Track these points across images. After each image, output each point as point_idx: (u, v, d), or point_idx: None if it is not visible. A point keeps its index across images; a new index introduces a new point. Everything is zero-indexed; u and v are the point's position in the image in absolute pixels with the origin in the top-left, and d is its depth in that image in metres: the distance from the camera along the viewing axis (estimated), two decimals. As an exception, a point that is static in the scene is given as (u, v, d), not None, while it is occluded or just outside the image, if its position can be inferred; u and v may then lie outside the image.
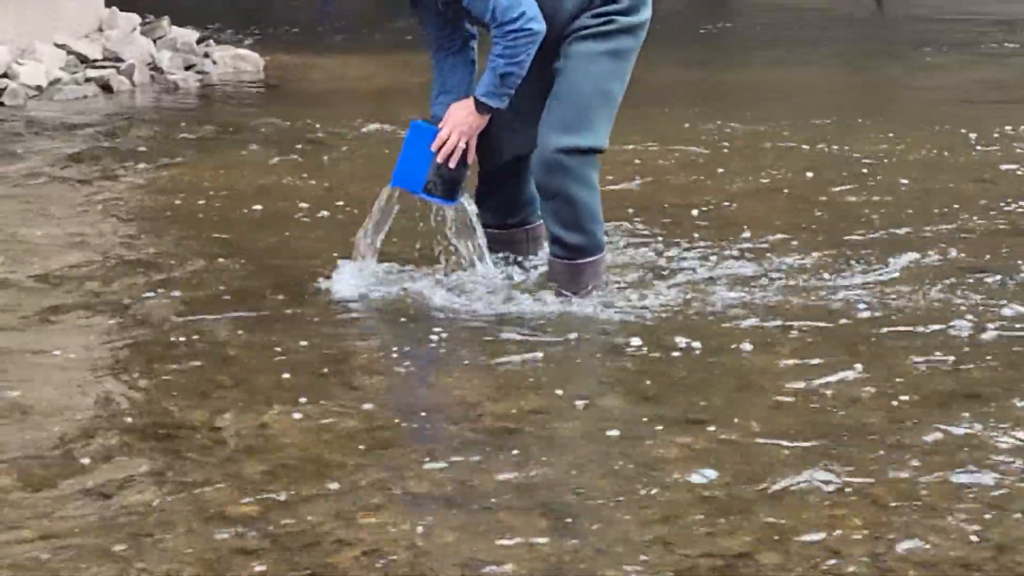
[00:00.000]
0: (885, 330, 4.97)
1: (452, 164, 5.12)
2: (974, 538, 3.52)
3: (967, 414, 4.24)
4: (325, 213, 6.33)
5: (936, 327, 4.99)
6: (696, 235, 5.88)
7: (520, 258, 5.40)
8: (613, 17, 5.09)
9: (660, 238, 5.86)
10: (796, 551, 3.46)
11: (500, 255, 5.41)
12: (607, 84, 5.11)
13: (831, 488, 3.79)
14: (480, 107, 5.07)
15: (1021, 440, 4.03)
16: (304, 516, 3.57)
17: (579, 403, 4.37)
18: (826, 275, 5.48)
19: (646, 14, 5.17)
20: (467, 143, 5.13)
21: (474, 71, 5.29)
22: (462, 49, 5.29)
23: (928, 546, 3.49)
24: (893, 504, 3.72)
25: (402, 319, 5.08)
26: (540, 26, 5.00)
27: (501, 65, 5.01)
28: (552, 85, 5.15)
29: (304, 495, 3.69)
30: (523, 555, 3.43)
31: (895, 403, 4.33)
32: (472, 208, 5.31)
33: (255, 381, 4.54)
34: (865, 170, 6.93)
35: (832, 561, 3.40)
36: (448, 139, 5.10)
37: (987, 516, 3.65)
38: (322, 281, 5.37)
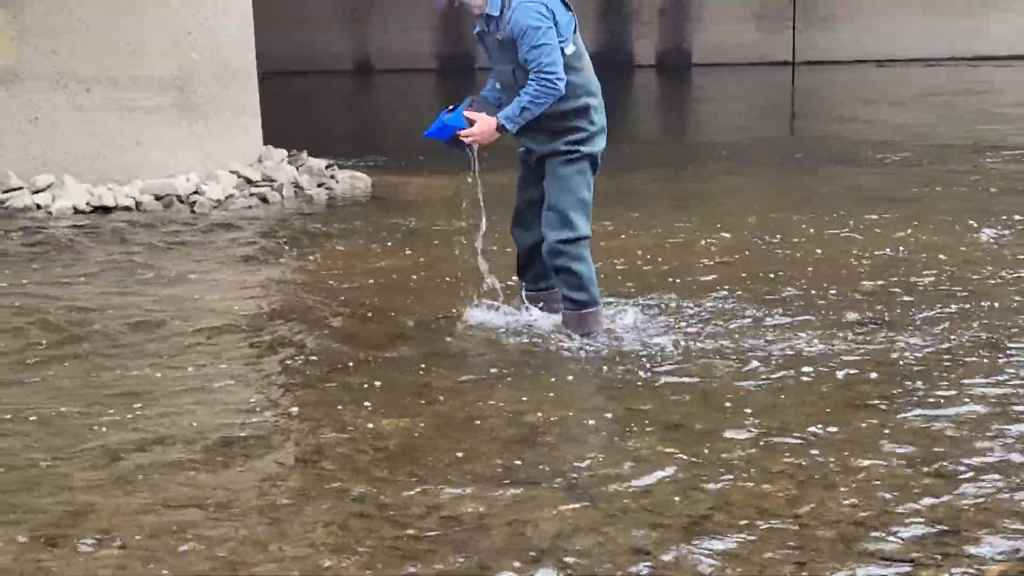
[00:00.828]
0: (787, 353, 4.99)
1: (466, 144, 5.14)
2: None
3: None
4: (426, 280, 6.39)
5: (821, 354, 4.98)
6: (669, 293, 5.89)
7: (548, 308, 5.39)
8: (579, 148, 5.10)
9: (640, 297, 5.81)
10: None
11: (538, 306, 5.41)
12: (580, 194, 5.13)
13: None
14: (499, 127, 5.06)
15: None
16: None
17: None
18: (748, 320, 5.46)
19: (600, 146, 5.18)
20: (481, 143, 5.12)
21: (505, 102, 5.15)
22: (507, 89, 5.14)
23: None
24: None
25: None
26: (563, 88, 4.96)
27: (526, 101, 4.96)
28: (544, 193, 5.17)
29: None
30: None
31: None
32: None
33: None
34: (782, 248, 6.92)
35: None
36: (472, 136, 5.09)
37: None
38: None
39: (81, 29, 8.68)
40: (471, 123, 5.08)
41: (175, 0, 8.77)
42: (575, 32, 5.10)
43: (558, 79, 4.94)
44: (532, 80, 4.95)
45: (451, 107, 5.14)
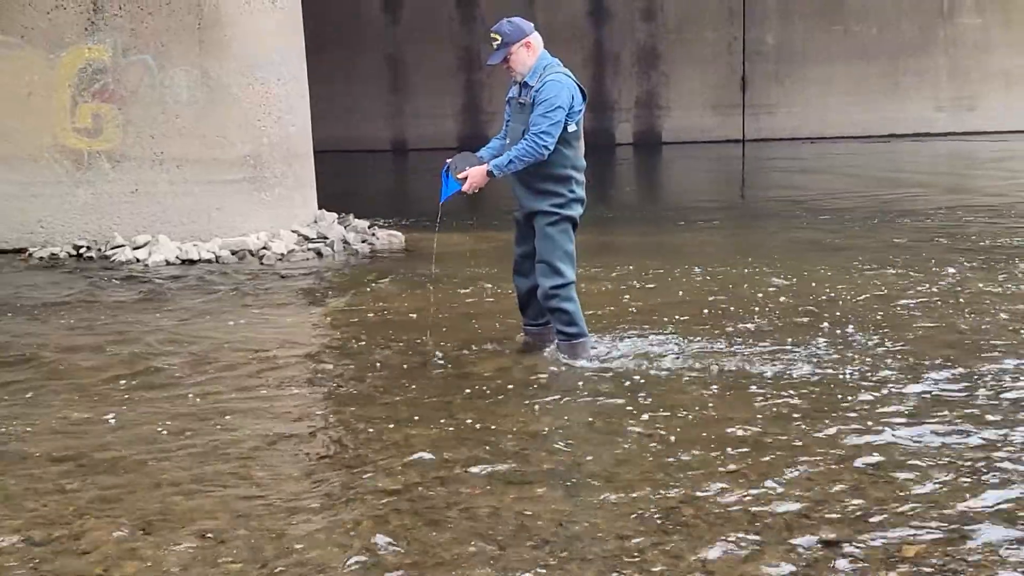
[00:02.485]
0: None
1: (469, 192, 5.09)
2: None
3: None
4: (446, 316, 6.27)
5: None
6: (644, 326, 5.85)
7: (548, 342, 5.38)
8: (559, 211, 5.08)
9: (622, 330, 5.74)
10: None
11: (535, 338, 5.40)
12: (564, 247, 5.11)
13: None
14: (489, 173, 5.01)
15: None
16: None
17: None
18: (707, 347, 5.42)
19: (580, 211, 5.15)
20: (477, 187, 5.07)
21: (502, 152, 5.15)
22: (504, 139, 5.17)
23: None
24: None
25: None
26: (546, 155, 4.93)
27: (514, 155, 4.94)
28: (535, 248, 5.16)
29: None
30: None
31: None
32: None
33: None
34: (737, 290, 6.91)
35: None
36: (470, 184, 5.02)
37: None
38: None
39: (173, 120, 8.73)
40: (464, 179, 5.03)
41: (250, 100, 8.83)
42: (581, 117, 5.08)
43: (544, 147, 4.90)
44: (525, 139, 4.92)
45: (446, 168, 5.09)
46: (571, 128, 4.99)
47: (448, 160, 5.15)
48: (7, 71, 8.68)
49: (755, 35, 20.01)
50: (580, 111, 5.04)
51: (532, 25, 5.11)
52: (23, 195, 8.74)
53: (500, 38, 5.01)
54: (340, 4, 19.58)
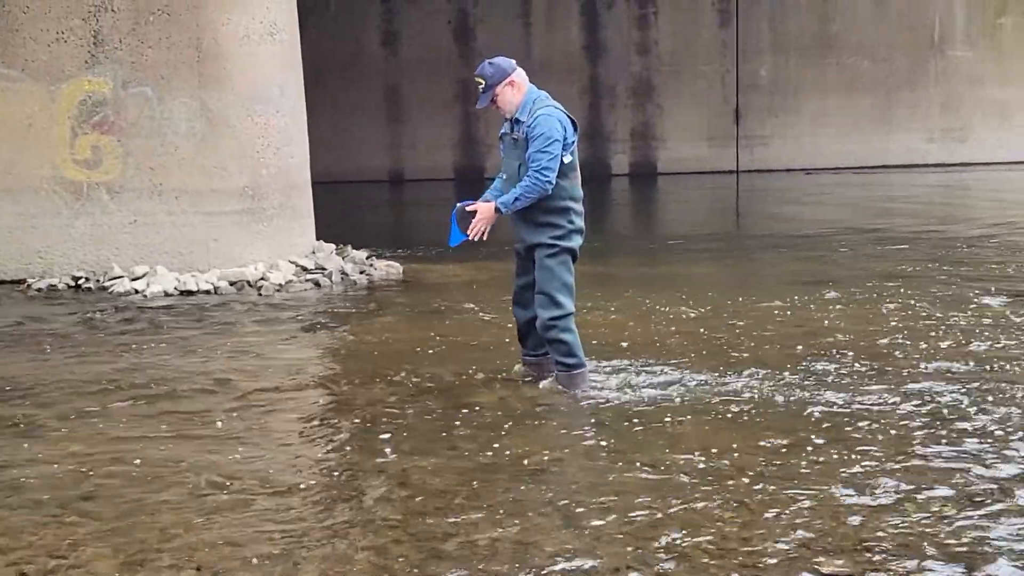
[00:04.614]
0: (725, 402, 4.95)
1: (477, 239, 5.10)
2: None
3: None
4: (446, 348, 6.26)
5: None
6: (641, 356, 5.84)
7: (546, 372, 5.37)
8: (558, 243, 5.07)
9: (619, 359, 5.73)
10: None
11: (534, 372, 5.39)
12: (563, 279, 5.09)
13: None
14: (496, 210, 5.02)
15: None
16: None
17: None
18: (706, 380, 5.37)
19: (579, 241, 5.13)
20: (486, 225, 5.06)
21: (505, 191, 5.13)
22: (510, 182, 5.12)
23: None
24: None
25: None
26: (550, 188, 4.93)
27: (519, 192, 4.95)
28: (535, 279, 5.13)
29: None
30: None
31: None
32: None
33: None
34: (731, 321, 6.89)
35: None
36: (478, 225, 5.04)
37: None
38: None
39: (172, 152, 8.75)
40: (473, 215, 5.03)
41: (249, 132, 8.85)
42: (575, 148, 5.10)
43: (548, 182, 4.91)
44: (528, 176, 4.93)
45: (454, 214, 5.08)
46: (567, 159, 5.00)
47: (456, 204, 5.15)
48: (8, 103, 8.70)
49: (748, 68, 20.14)
50: (573, 142, 5.05)
51: (514, 63, 5.11)
52: (23, 226, 8.73)
53: (484, 81, 5.03)
54: (340, 37, 19.69)
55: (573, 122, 5.08)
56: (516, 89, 5.05)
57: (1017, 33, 19.69)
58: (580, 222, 5.13)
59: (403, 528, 3.53)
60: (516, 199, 4.96)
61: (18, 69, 8.69)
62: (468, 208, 5.06)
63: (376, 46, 20.03)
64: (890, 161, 19.97)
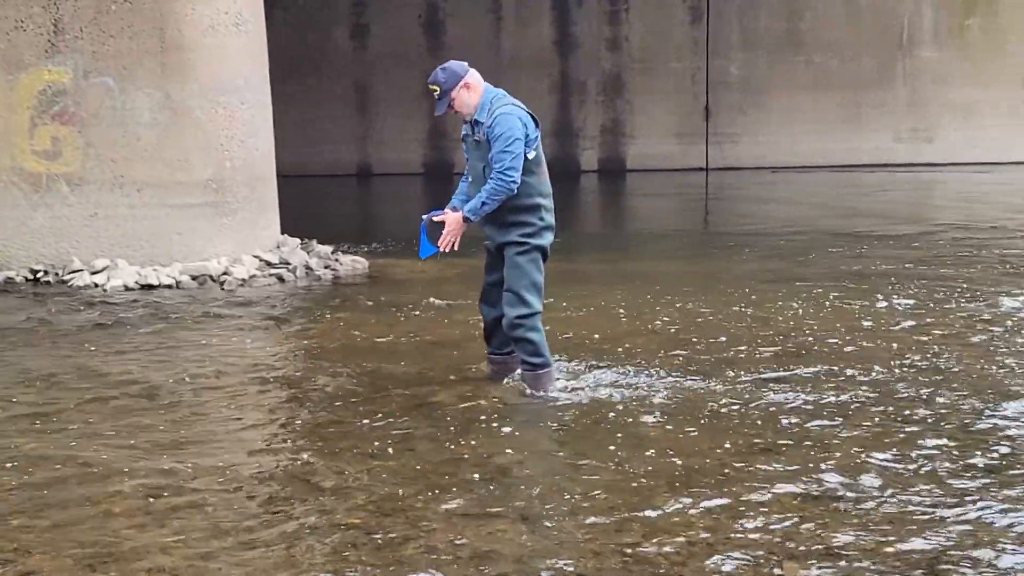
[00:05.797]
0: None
1: (448, 250, 5.06)
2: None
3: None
4: (411, 345, 6.22)
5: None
6: (607, 355, 5.80)
7: (511, 371, 5.30)
8: (529, 240, 5.01)
9: (585, 359, 5.68)
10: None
11: (499, 371, 5.33)
12: (532, 277, 5.03)
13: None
14: (464, 219, 4.97)
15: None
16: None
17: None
18: (671, 377, 5.35)
19: (550, 239, 5.08)
20: (456, 236, 5.02)
21: (472, 194, 5.07)
22: (476, 182, 5.07)
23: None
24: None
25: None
26: (515, 188, 4.88)
27: (484, 196, 4.89)
28: (503, 277, 5.08)
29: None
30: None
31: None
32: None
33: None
34: (699, 319, 6.86)
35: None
36: (447, 236, 5.00)
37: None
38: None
39: (135, 143, 8.61)
40: (442, 225, 4.98)
41: (214, 123, 8.73)
42: (538, 143, 5.04)
43: (513, 181, 4.87)
44: (492, 178, 4.88)
45: (423, 225, 5.04)
46: (530, 155, 4.95)
47: (424, 216, 5.09)
48: (-35, 92, 8.51)
49: (719, 65, 20.17)
50: (536, 138, 5.00)
51: (466, 65, 5.07)
52: (-21, 217, 8.56)
53: (439, 87, 4.99)
54: (308, 30, 19.52)
55: (533, 118, 5.03)
56: (472, 91, 5.00)
57: (984, 35, 19.83)
58: (550, 218, 5.08)
59: (361, 530, 3.46)
60: (483, 203, 4.92)
61: (-24, 57, 8.51)
62: (436, 219, 5.01)
63: (345, 39, 19.88)
64: (859, 160, 20.07)
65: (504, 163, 4.86)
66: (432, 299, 5.04)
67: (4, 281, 8.32)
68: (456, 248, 5.06)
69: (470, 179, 5.14)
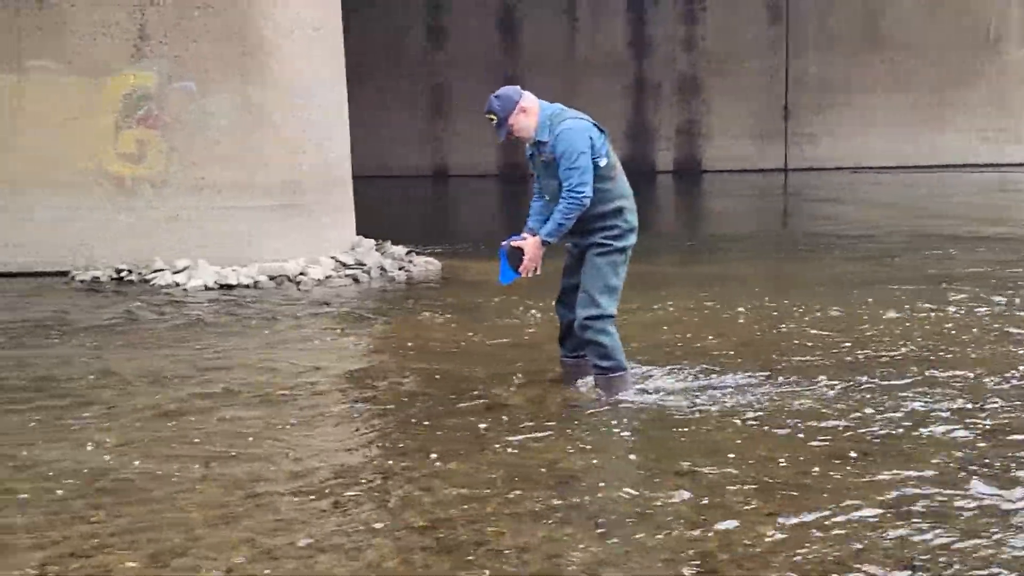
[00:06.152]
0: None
1: (531, 275, 5.06)
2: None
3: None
4: (485, 346, 6.22)
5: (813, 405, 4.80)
6: (684, 360, 5.72)
7: (585, 374, 5.22)
8: (611, 242, 4.99)
9: (661, 363, 5.61)
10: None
11: (573, 373, 5.28)
12: (608, 280, 4.99)
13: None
14: (543, 242, 4.97)
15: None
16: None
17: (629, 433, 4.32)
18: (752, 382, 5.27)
19: (632, 240, 5.06)
20: (536, 262, 5.02)
21: (548, 212, 5.07)
22: (546, 196, 5.08)
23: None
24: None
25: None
26: (588, 202, 4.86)
27: (559, 217, 4.88)
28: (581, 278, 5.06)
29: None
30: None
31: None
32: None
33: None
34: (781, 324, 6.73)
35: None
36: (528, 263, 5.00)
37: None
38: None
39: (215, 146, 8.75)
40: (521, 253, 4.97)
41: (290, 127, 8.84)
42: (608, 148, 4.99)
43: (585, 196, 4.84)
44: (563, 197, 4.86)
45: (503, 251, 5.03)
46: (602, 163, 4.92)
47: (503, 244, 5.09)
48: (53, 97, 8.74)
49: (797, 65, 19.86)
50: (603, 144, 4.95)
51: (519, 89, 5.05)
52: (67, 219, 8.78)
53: (495, 116, 4.98)
54: (384, 32, 19.69)
55: (597, 126, 4.98)
56: (529, 114, 4.97)
57: (1075, 32, 19.24)
58: (634, 220, 5.05)
59: (430, 534, 3.44)
60: (559, 224, 4.90)
61: (64, 63, 8.73)
62: (515, 244, 5.01)
63: (421, 42, 20.00)
64: (940, 160, 19.62)
65: (572, 180, 4.83)
66: (533, 312, 5.02)
67: (90, 280, 8.52)
68: (538, 273, 5.04)
69: (547, 197, 5.10)
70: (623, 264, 5.05)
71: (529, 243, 4.98)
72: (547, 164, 4.98)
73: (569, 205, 4.86)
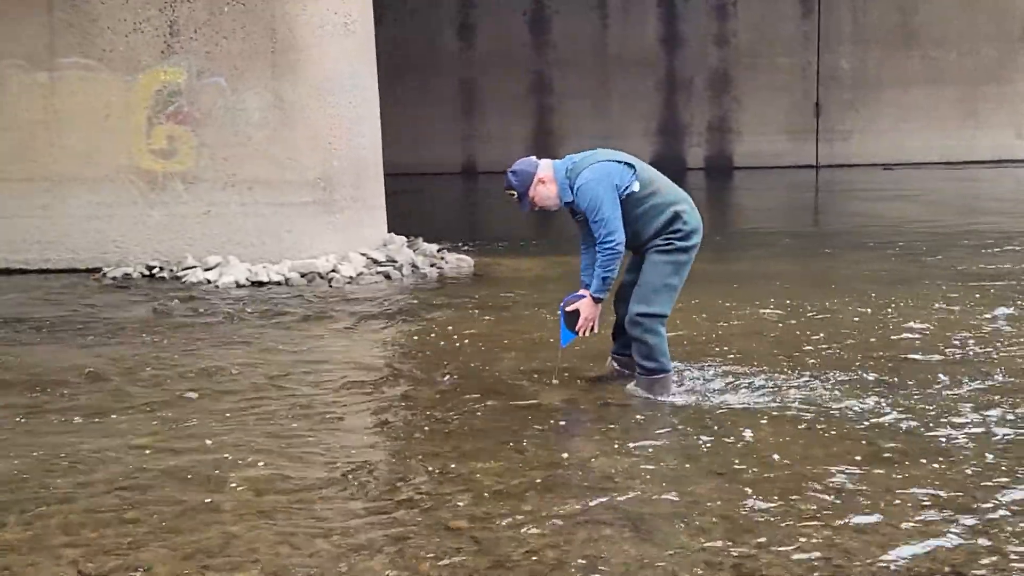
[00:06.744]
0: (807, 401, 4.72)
1: (588, 335, 5.06)
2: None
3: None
4: (518, 343, 6.15)
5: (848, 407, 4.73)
6: (721, 359, 5.66)
7: (629, 370, 5.18)
8: (674, 241, 4.93)
9: (696, 362, 5.55)
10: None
11: (620, 371, 5.26)
12: (667, 279, 4.94)
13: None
14: (595, 300, 4.97)
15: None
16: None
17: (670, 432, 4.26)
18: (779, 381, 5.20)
19: (695, 240, 4.99)
20: (593, 320, 5.01)
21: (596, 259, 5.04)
22: (592, 246, 5.03)
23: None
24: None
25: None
26: (622, 248, 4.85)
27: (601, 273, 4.89)
28: (640, 274, 5.02)
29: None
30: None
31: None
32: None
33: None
34: (813, 323, 6.64)
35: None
36: (584, 323, 4.99)
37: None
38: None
39: (246, 142, 8.74)
40: (577, 315, 4.97)
41: (321, 122, 8.81)
42: (635, 173, 4.92)
43: (617, 244, 4.81)
44: (598, 251, 4.87)
45: (562, 311, 5.03)
46: (636, 188, 4.89)
47: (560, 305, 5.09)
48: (86, 93, 8.77)
49: (829, 60, 19.68)
50: (631, 172, 4.90)
51: (534, 160, 5.03)
52: (99, 215, 8.81)
53: (515, 192, 4.98)
54: (415, 30, 19.69)
55: (617, 160, 4.93)
56: (548, 183, 4.96)
57: (1113, 25, 18.95)
58: (694, 220, 4.98)
59: (466, 535, 3.40)
60: (604, 279, 4.91)
61: (96, 59, 8.76)
62: (569, 309, 5.01)
63: (452, 39, 19.98)
64: (976, 156, 19.38)
65: (601, 233, 4.83)
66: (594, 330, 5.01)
67: (122, 276, 8.54)
68: (595, 332, 5.06)
69: (594, 248, 5.05)
70: (686, 265, 4.98)
71: (583, 305, 4.97)
72: (582, 222, 4.98)
73: (605, 258, 4.86)
